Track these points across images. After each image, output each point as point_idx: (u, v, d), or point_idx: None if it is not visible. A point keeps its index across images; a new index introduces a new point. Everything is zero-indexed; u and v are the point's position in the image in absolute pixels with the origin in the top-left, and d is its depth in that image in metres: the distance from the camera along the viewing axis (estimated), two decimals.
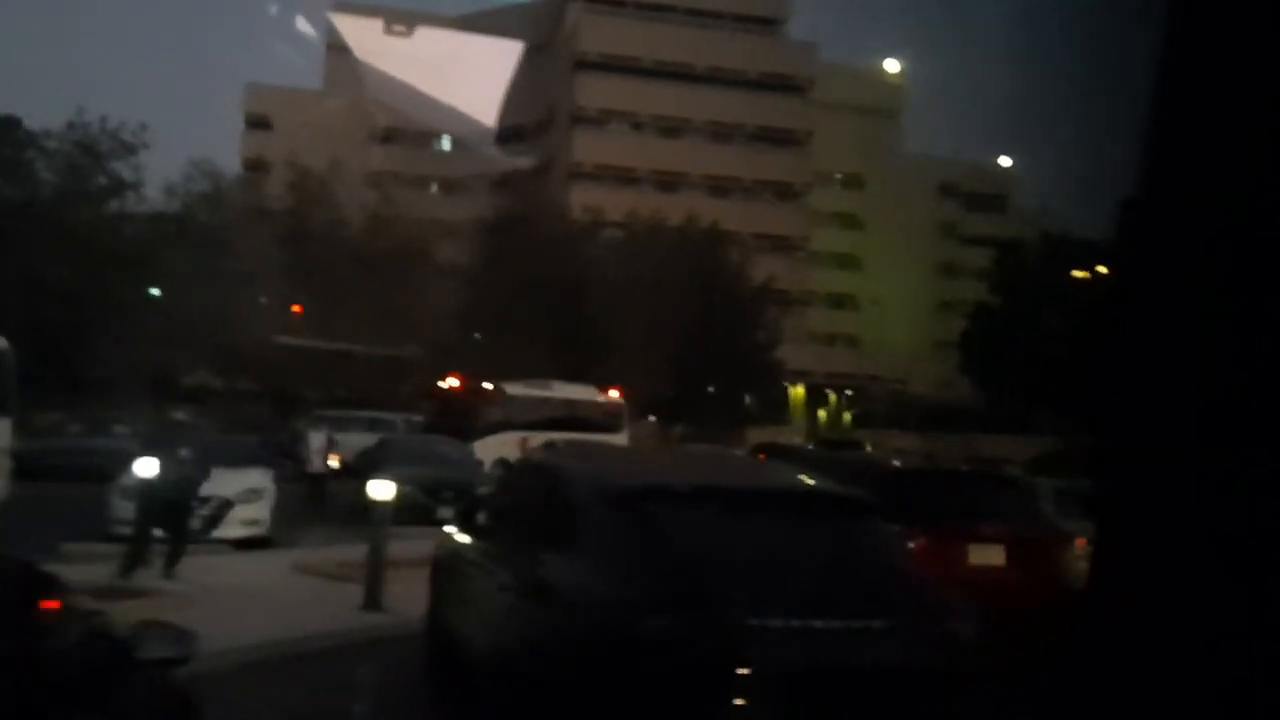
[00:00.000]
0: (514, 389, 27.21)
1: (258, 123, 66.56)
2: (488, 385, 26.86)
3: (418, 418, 28.57)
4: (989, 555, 8.44)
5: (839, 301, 74.35)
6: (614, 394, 30.92)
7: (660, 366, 43.38)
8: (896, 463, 12.74)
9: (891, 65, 76.85)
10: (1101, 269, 39.27)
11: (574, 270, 44.42)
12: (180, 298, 26.32)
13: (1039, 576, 8.62)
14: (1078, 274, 40.92)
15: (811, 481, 5.35)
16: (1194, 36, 1.70)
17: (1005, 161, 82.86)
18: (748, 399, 51.52)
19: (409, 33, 66.84)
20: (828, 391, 57.44)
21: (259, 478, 13.02)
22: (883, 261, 73.50)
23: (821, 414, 61.07)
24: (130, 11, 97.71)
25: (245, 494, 12.49)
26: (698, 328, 43.33)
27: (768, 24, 67.83)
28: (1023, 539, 8.64)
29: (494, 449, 25.19)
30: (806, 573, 4.34)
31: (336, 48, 70.74)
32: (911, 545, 8.35)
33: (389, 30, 66.67)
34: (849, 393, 57.96)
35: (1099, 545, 1.90)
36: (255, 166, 59.61)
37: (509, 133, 70.32)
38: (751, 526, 4.43)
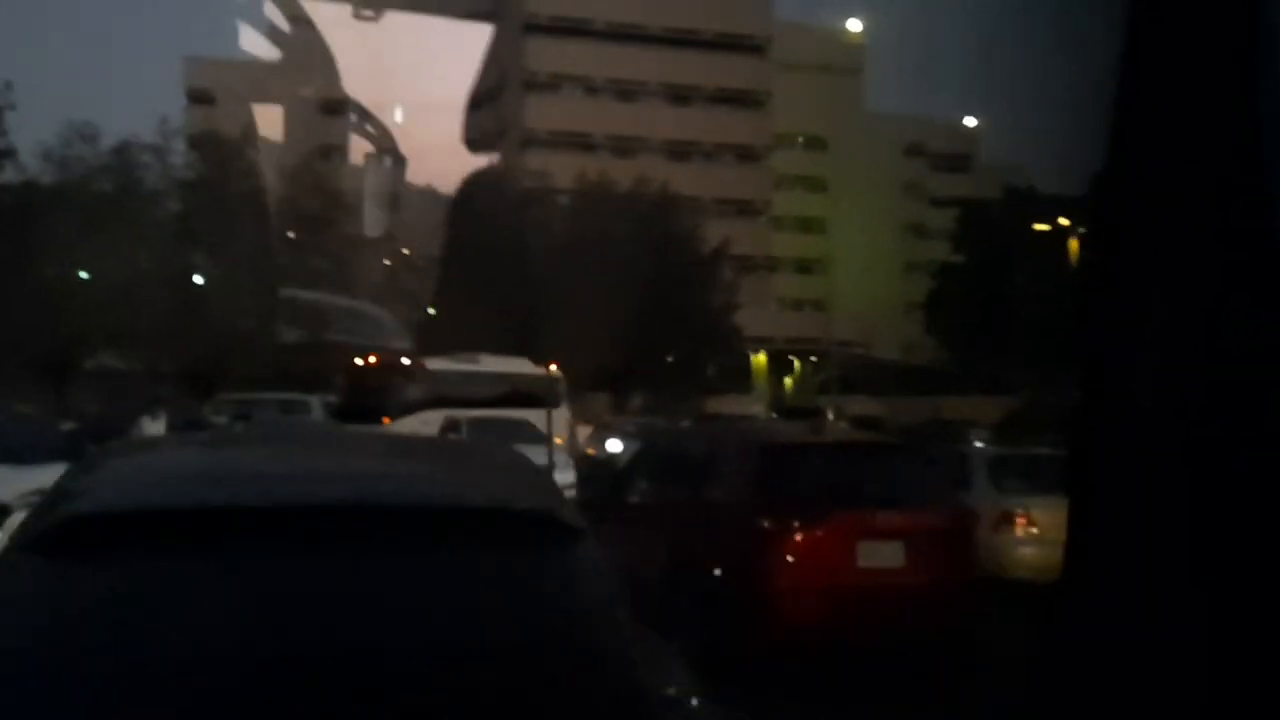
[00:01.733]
0: (435, 364, 25.06)
1: (199, 97, 63.75)
2: (405, 360, 24.70)
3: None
4: (884, 554, 6.44)
5: (805, 266, 72.40)
6: (551, 367, 28.80)
7: (612, 336, 41.37)
8: (805, 434, 10.53)
9: (852, 23, 74.65)
10: (1064, 221, 37.38)
11: (521, 239, 42.28)
12: (67, 274, 24.00)
13: (950, 577, 6.65)
14: (1039, 227, 38.95)
15: (495, 484, 3.14)
16: (1161, 13, 1.72)
17: (970, 120, 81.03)
18: (710, 368, 49.52)
19: (377, 17, 64.01)
20: (791, 358, 55.53)
21: (58, 476, 10.77)
22: (849, 224, 71.51)
23: (788, 381, 59.18)
24: None
25: (31, 496, 10.27)
26: (650, 294, 41.25)
27: None
28: (929, 529, 6.65)
29: (413, 431, 23.11)
30: (392, 677, 2.22)
31: (282, 18, 68.15)
32: (794, 543, 6.33)
33: (358, 15, 63.84)
34: (814, 359, 56.02)
35: (1074, 522, 2.00)
36: (197, 141, 57.19)
37: (464, 101, 67.67)
38: (311, 583, 2.31)
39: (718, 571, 6.40)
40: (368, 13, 69.59)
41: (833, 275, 72.37)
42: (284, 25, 67.71)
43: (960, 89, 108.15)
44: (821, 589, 6.21)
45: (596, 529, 2.79)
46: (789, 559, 6.19)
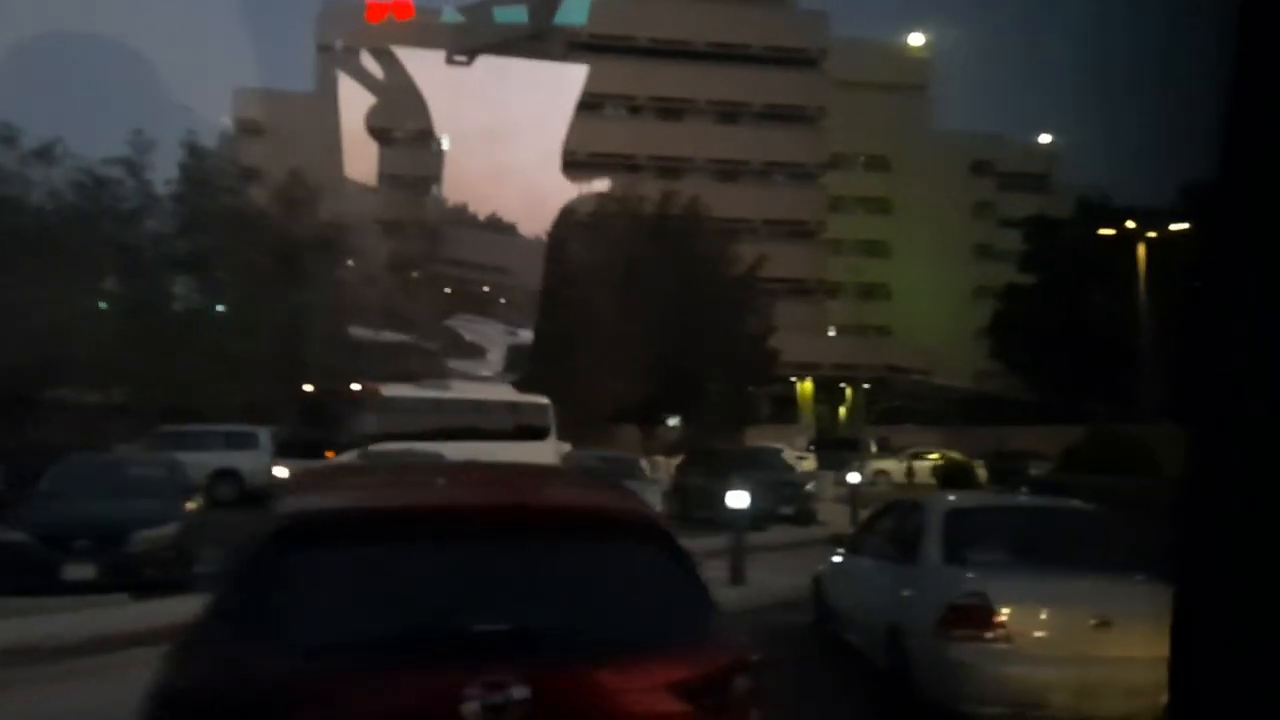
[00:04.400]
0: (393, 390, 21.90)
1: (248, 128, 62.71)
2: (357, 386, 21.60)
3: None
4: None
5: (868, 291, 68.15)
6: (538, 397, 25.54)
7: (637, 363, 38.04)
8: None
9: (915, 38, 70.54)
10: (1130, 224, 32.78)
11: (552, 265, 39.24)
12: (11, 297, 21.63)
13: None
14: (1104, 232, 34.32)
15: None
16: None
17: (1045, 138, 75.79)
18: (747, 396, 45.70)
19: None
20: (842, 386, 51.35)
21: None
22: (912, 247, 67.21)
23: (843, 410, 54.90)
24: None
25: None
26: (678, 319, 37.79)
27: None
28: (603, 689, 3.00)
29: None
30: None
31: (325, 48, 66.93)
32: None
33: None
34: (866, 386, 51.67)
35: (1179, 638, 1.42)
36: (246, 173, 55.97)
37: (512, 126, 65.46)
38: None
39: None
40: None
41: (896, 300, 67.98)
42: (328, 54, 66.25)
43: (1034, 105, 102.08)
44: None
45: None
46: None
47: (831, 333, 61.64)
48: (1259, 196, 1.39)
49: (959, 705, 6.31)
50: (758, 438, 41.12)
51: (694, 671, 3.04)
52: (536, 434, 24.49)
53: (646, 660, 3.01)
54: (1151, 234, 31.18)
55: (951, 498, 8.68)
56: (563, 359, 35.26)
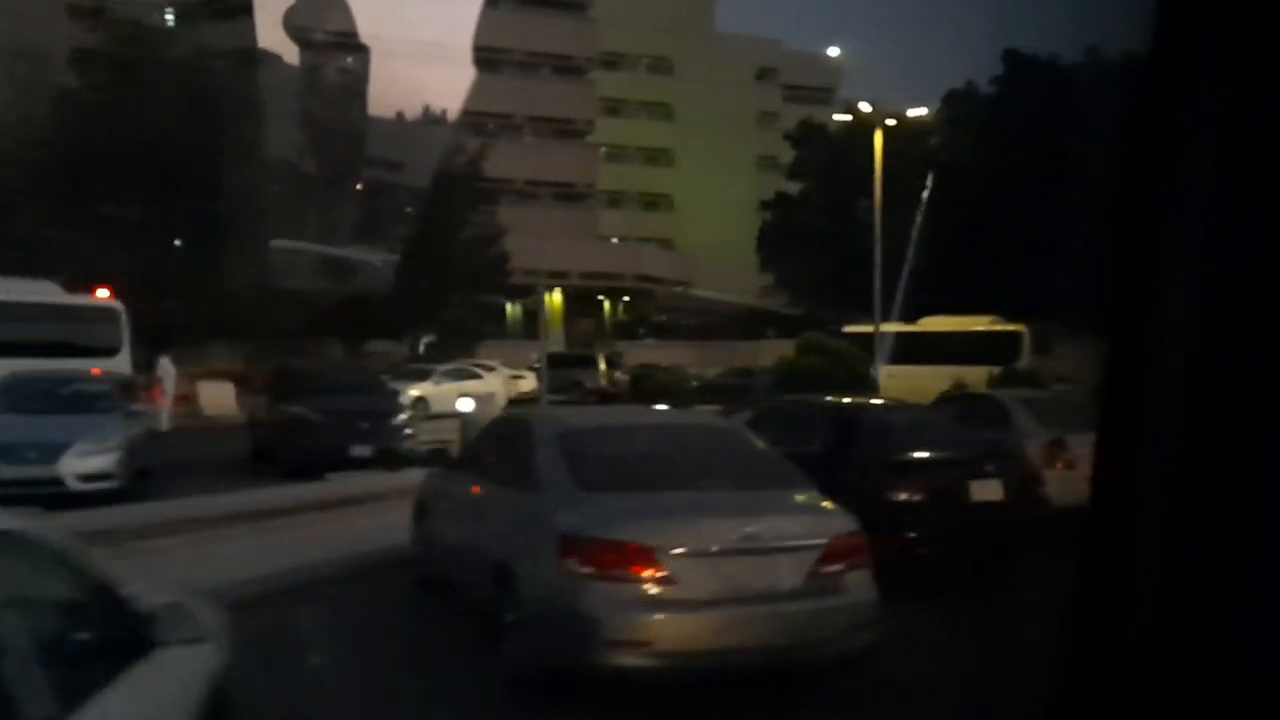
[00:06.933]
0: None
1: None
2: None
3: None
4: None
5: (650, 201, 63.53)
6: (102, 294, 19.17)
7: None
8: None
9: None
10: (866, 106, 28.68)
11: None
12: None
13: None
14: (839, 117, 30.17)
15: None
16: None
17: (832, 51, 71.89)
18: (490, 307, 40.44)
19: None
20: (600, 298, 46.67)
21: None
22: (696, 156, 62.64)
23: (607, 323, 50.32)
24: None
25: None
26: (385, 221, 31.85)
27: None
28: None
29: None
30: None
31: None
32: None
33: None
34: (626, 298, 47.15)
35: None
36: None
37: (237, 6, 56.64)
38: None
39: None
40: None
41: (680, 211, 63.54)
42: None
43: (820, 15, 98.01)
44: None
45: None
46: None
47: (615, 241, 56.80)
48: (1190, 84, 1.17)
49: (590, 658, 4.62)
50: (493, 353, 35.95)
51: None
52: (100, 351, 18.14)
53: None
54: (891, 121, 27.17)
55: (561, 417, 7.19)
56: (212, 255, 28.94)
